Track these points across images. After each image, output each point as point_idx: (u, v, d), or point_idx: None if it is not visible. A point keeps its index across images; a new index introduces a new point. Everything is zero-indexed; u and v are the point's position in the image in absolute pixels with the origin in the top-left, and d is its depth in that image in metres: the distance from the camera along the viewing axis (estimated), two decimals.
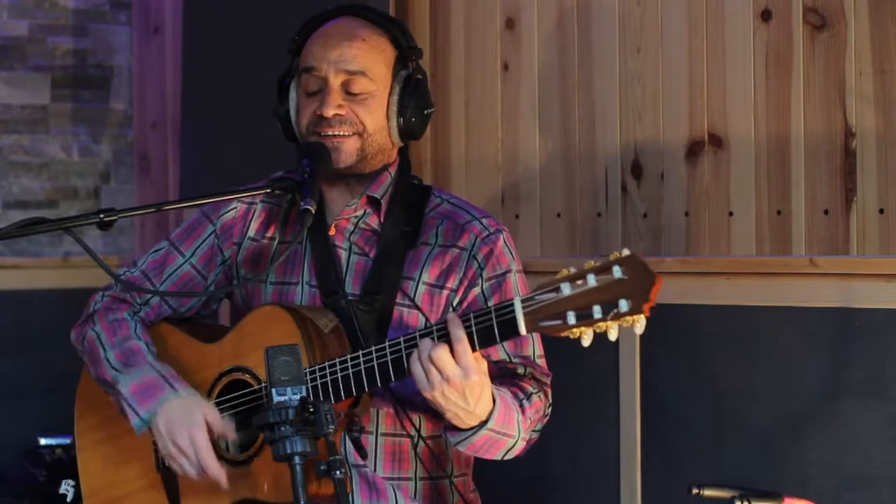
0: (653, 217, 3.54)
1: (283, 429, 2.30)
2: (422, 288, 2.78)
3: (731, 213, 3.39)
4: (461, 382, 2.48)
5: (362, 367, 2.58)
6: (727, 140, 3.40)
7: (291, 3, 3.90)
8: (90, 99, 4.84)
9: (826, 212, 3.24)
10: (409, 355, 2.53)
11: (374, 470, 2.77)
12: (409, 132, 2.81)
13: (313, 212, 2.60)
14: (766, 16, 3.33)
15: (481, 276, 2.78)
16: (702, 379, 3.35)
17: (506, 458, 2.70)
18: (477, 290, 2.78)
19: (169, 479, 2.82)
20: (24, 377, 4.53)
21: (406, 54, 2.82)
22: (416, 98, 2.80)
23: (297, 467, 2.30)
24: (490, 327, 2.46)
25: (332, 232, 2.83)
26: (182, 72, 4.58)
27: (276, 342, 2.39)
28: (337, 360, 2.61)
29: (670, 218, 3.50)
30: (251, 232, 2.92)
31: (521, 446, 2.69)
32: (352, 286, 2.79)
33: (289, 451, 2.30)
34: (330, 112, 2.75)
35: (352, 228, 2.84)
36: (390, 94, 2.79)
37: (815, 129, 3.25)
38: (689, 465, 3.35)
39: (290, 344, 2.36)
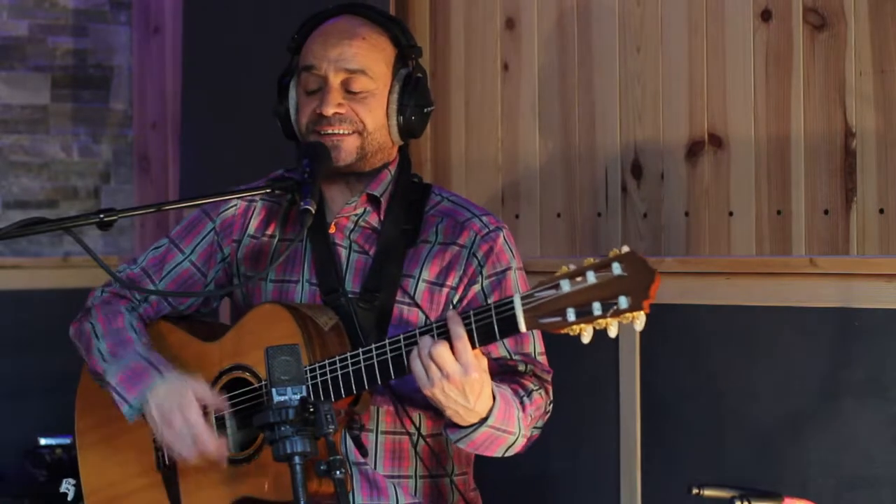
0: (653, 217, 3.54)
1: (283, 429, 2.30)
2: (422, 286, 2.78)
3: (731, 213, 3.39)
4: (461, 379, 2.48)
5: (362, 364, 2.58)
6: (727, 140, 3.40)
7: (291, 3, 3.89)
8: (90, 99, 4.84)
9: (826, 212, 3.24)
10: (409, 353, 2.53)
11: (375, 468, 2.77)
12: (409, 130, 2.81)
13: (313, 212, 2.60)
14: (766, 16, 3.33)
15: (481, 273, 2.78)
16: (702, 379, 3.35)
17: (506, 455, 2.69)
18: (477, 287, 2.78)
19: (169, 477, 2.82)
20: (24, 377, 4.53)
21: (406, 53, 2.82)
22: (416, 96, 2.80)
23: (298, 467, 2.29)
24: (490, 324, 2.46)
25: (332, 230, 2.83)
26: (182, 72, 4.58)
27: (277, 340, 2.39)
28: (337, 357, 2.61)
29: (670, 218, 3.50)
30: (251, 229, 2.92)
31: (521, 443, 2.69)
32: (352, 284, 2.79)
33: (289, 450, 2.30)
34: (330, 110, 2.75)
35: (352, 226, 2.84)
36: (390, 92, 2.79)
37: (815, 129, 3.25)
38: (689, 465, 3.35)
39: (290, 343, 2.36)
